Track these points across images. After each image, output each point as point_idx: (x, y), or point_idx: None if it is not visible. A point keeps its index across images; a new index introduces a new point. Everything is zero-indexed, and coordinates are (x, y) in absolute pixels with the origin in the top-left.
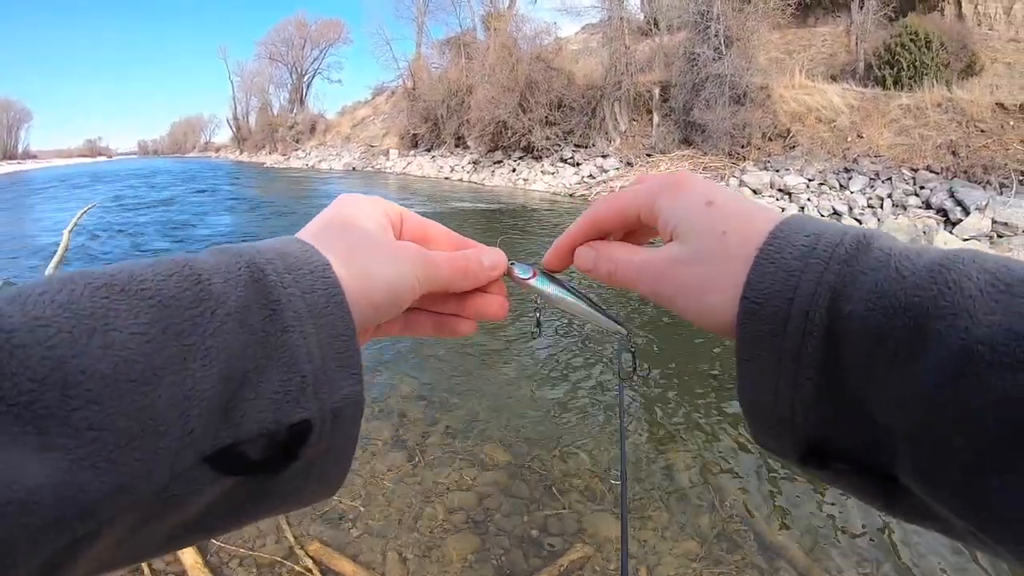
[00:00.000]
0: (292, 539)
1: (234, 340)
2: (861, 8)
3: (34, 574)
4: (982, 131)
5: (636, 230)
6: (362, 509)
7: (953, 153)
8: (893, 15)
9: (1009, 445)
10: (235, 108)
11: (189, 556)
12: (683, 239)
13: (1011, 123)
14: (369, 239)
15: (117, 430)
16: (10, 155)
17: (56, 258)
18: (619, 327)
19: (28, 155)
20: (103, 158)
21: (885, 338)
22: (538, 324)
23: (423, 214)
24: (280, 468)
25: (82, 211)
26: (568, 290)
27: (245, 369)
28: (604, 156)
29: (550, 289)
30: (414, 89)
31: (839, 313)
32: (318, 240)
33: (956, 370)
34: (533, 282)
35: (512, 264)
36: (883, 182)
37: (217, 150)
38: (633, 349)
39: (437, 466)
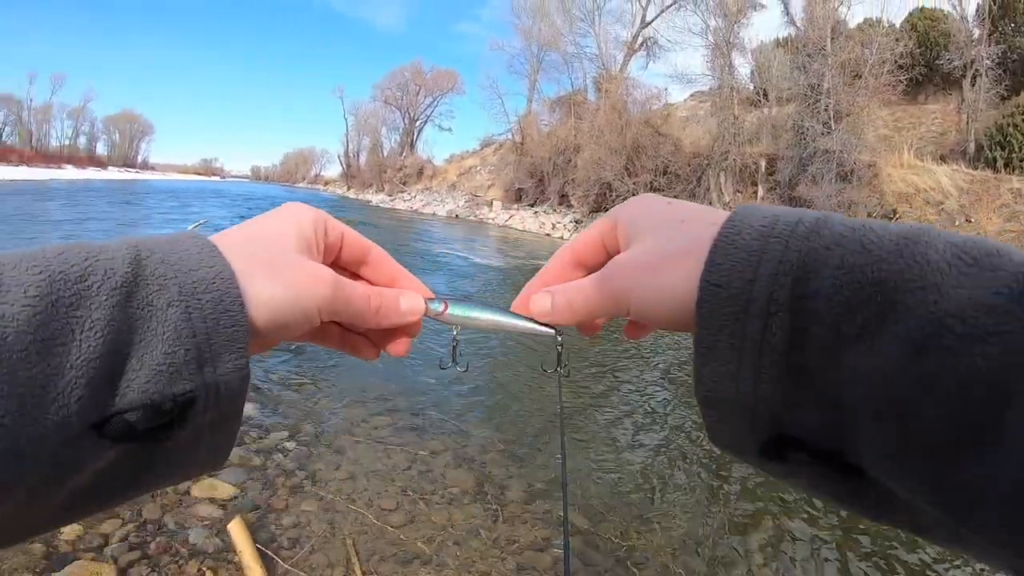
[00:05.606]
0: (360, 573)
1: (119, 314)
2: (973, 86)
3: None
4: None
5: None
6: (434, 556)
7: None
8: (1006, 93)
9: (982, 418)
10: (347, 145)
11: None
12: (641, 236)
13: None
14: (275, 255)
15: (8, 397)
16: (129, 164)
17: None
18: (546, 328)
19: (146, 166)
20: (216, 178)
21: (853, 314)
22: (453, 355)
23: (519, 267)
24: (165, 437)
25: (193, 226)
26: (486, 307)
27: (130, 342)
28: None
29: (467, 312)
30: (522, 144)
31: (804, 291)
32: (227, 246)
33: (926, 343)
34: (449, 314)
35: (426, 302)
36: None
37: (325, 183)
38: (560, 348)
39: (515, 523)
